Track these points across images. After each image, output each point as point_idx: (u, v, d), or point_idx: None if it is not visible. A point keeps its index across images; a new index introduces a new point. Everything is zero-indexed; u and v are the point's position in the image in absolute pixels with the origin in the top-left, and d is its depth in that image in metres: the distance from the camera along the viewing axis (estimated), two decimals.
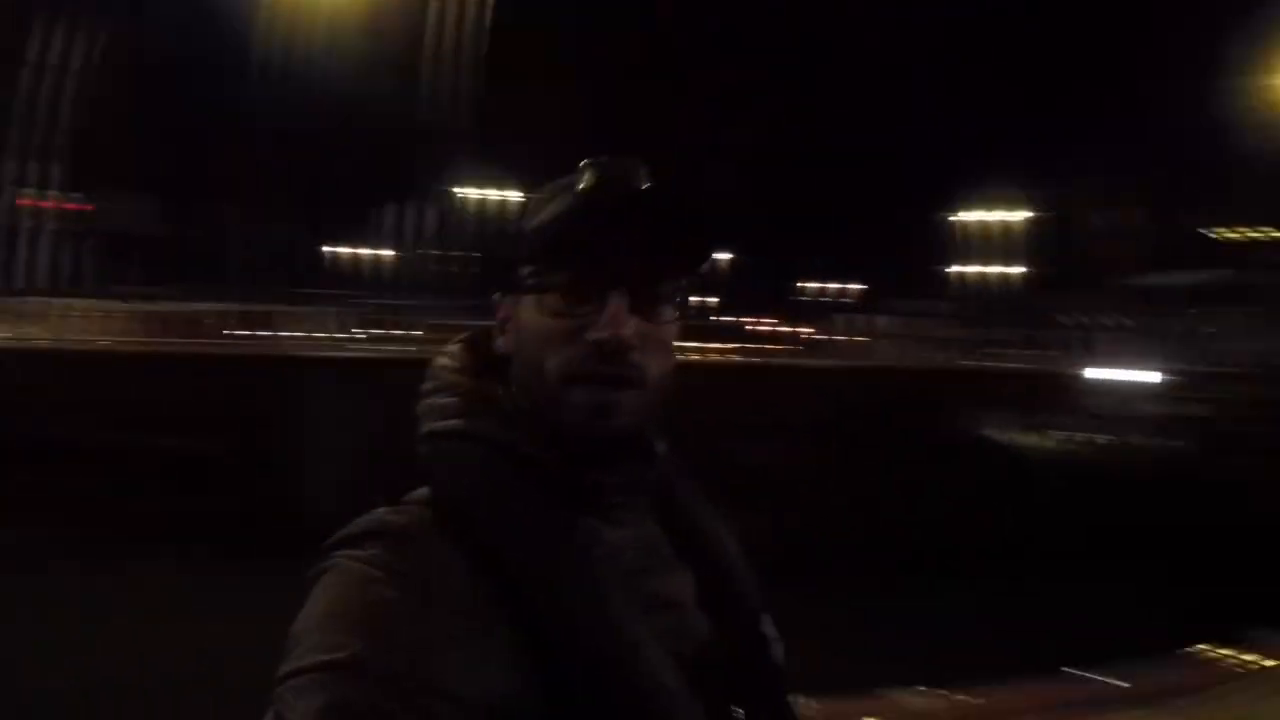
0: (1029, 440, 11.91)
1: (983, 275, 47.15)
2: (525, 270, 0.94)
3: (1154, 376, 14.09)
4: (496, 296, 1.01)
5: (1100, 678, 3.99)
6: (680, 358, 0.97)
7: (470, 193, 40.08)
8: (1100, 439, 11.89)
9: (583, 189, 0.93)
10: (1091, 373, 15.29)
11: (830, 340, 35.04)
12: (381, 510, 0.89)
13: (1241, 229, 35.57)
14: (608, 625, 0.85)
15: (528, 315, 0.94)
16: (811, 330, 36.76)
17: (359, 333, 26.87)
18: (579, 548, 0.89)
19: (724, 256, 37.24)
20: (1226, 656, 4.43)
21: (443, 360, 1.02)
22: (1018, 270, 46.31)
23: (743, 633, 1.02)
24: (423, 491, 0.91)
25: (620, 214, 0.91)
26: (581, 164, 0.96)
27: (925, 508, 13.61)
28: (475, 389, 0.97)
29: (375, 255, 40.62)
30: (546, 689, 0.81)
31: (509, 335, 0.98)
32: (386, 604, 0.79)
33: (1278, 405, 15.11)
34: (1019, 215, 45.58)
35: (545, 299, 0.91)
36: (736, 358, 26.81)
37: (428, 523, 0.87)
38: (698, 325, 28.75)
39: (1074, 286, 36.38)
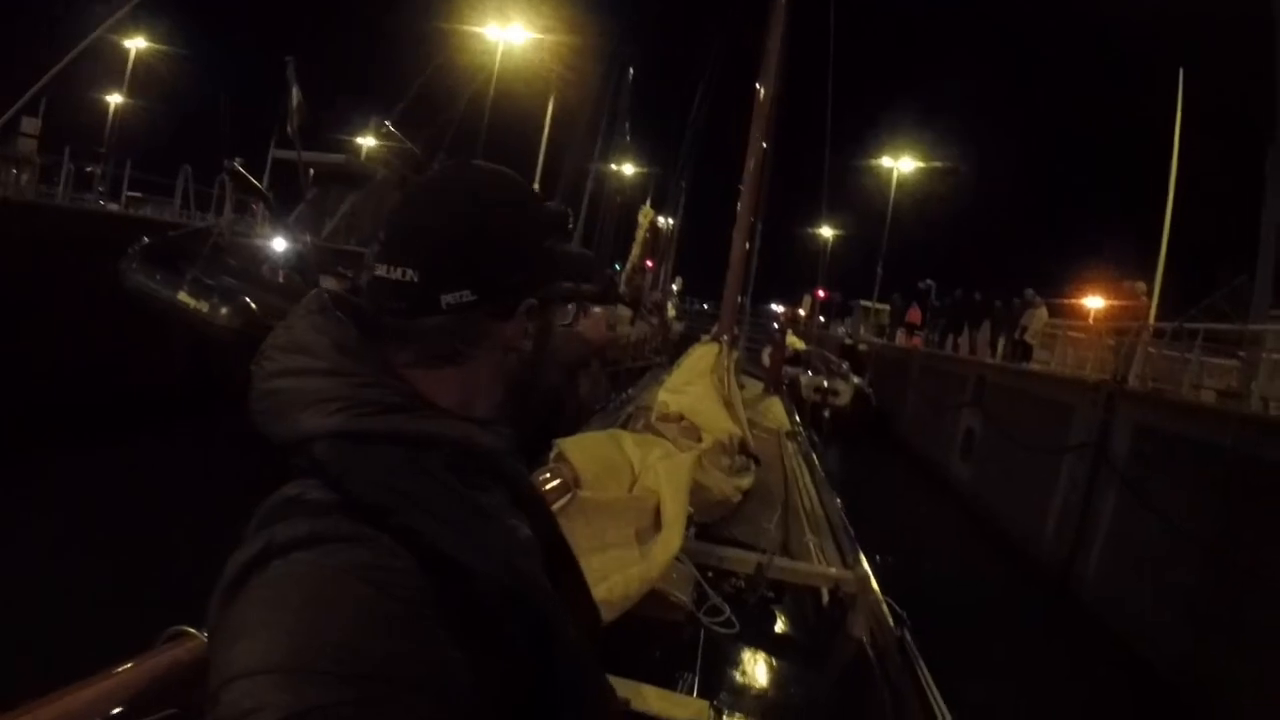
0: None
1: None
2: (560, 287, 1.12)
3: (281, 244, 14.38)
4: (533, 302, 1.08)
5: None
6: None
7: None
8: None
9: (568, 230, 1.18)
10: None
11: None
12: (296, 513, 0.89)
13: None
14: (546, 597, 1.02)
15: (553, 321, 1.13)
16: None
17: None
18: (506, 528, 1.05)
19: None
20: None
21: (314, 336, 1.02)
22: None
23: (561, 558, 1.23)
24: (308, 490, 0.92)
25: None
26: (564, 210, 1.21)
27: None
28: (392, 379, 1.01)
29: None
30: (494, 661, 0.91)
31: (525, 333, 1.09)
32: (361, 604, 0.82)
33: None
34: None
35: (568, 308, 1.04)
36: None
37: (357, 523, 0.88)
38: None
39: None
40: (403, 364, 1.04)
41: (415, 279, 1.01)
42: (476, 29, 27.87)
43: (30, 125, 20.09)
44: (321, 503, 0.90)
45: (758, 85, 10.17)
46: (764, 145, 10.21)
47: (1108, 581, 11.39)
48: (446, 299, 1.01)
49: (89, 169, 22.44)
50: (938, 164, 46.56)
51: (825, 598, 3.73)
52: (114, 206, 21.02)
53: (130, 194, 22.24)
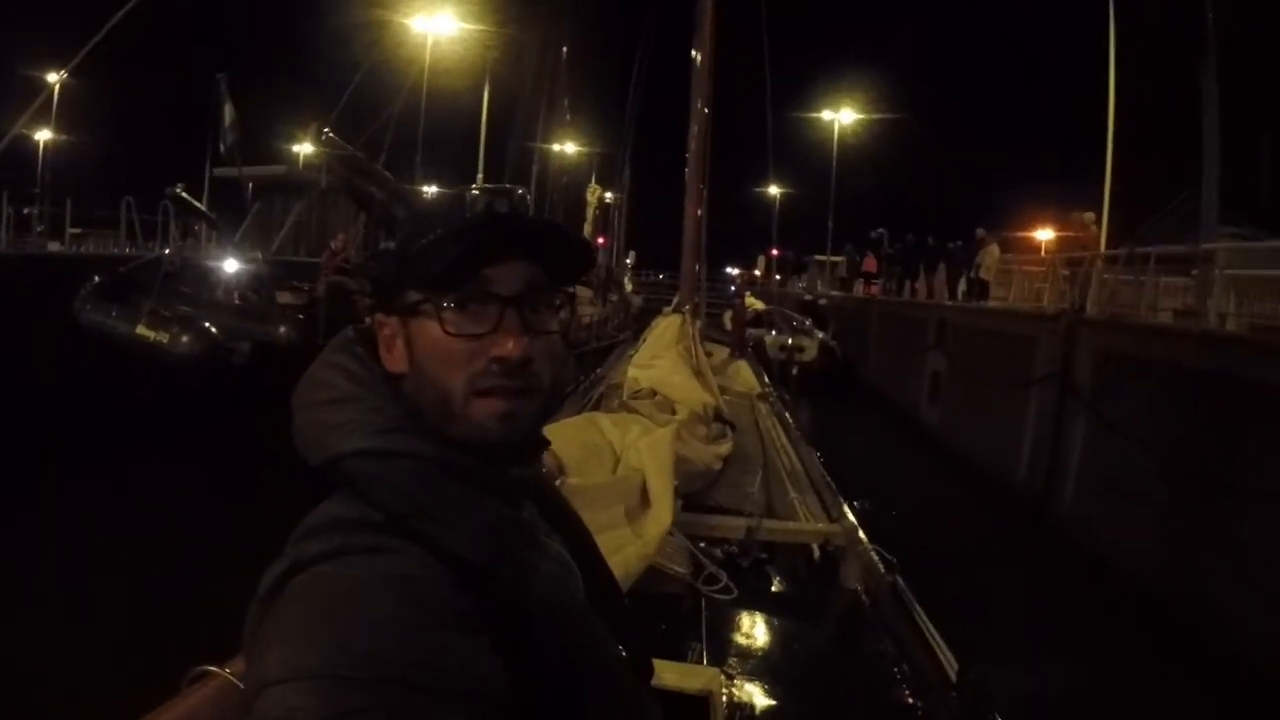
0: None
1: None
2: (413, 295, 1.00)
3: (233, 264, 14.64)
4: (379, 316, 1.05)
5: None
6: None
7: None
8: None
9: (476, 220, 1.03)
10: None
11: None
12: (326, 529, 0.92)
13: None
14: (574, 606, 1.02)
15: (425, 335, 1.00)
16: None
17: None
18: (531, 542, 1.02)
19: None
20: None
21: (330, 371, 1.04)
22: None
23: (602, 585, 1.20)
24: (341, 509, 0.94)
25: (512, 243, 1.00)
26: (464, 192, 1.10)
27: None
28: (394, 403, 1.01)
29: None
30: (526, 673, 0.90)
31: (397, 353, 1.03)
32: (390, 611, 0.83)
33: None
34: None
35: (445, 320, 0.98)
36: None
37: (385, 536, 0.90)
38: None
39: None
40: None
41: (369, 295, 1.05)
42: (404, 20, 27.54)
43: None
44: (349, 518, 0.92)
45: (694, 52, 10.18)
46: (704, 110, 10.24)
47: (1084, 507, 11.59)
48: (383, 321, 1.05)
49: (25, 210, 22.07)
50: (878, 116, 46.77)
51: (816, 553, 3.79)
52: (56, 246, 20.70)
53: (72, 230, 21.91)
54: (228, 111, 14.64)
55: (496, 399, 0.98)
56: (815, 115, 46.25)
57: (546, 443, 1.12)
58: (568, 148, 38.51)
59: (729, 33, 11.98)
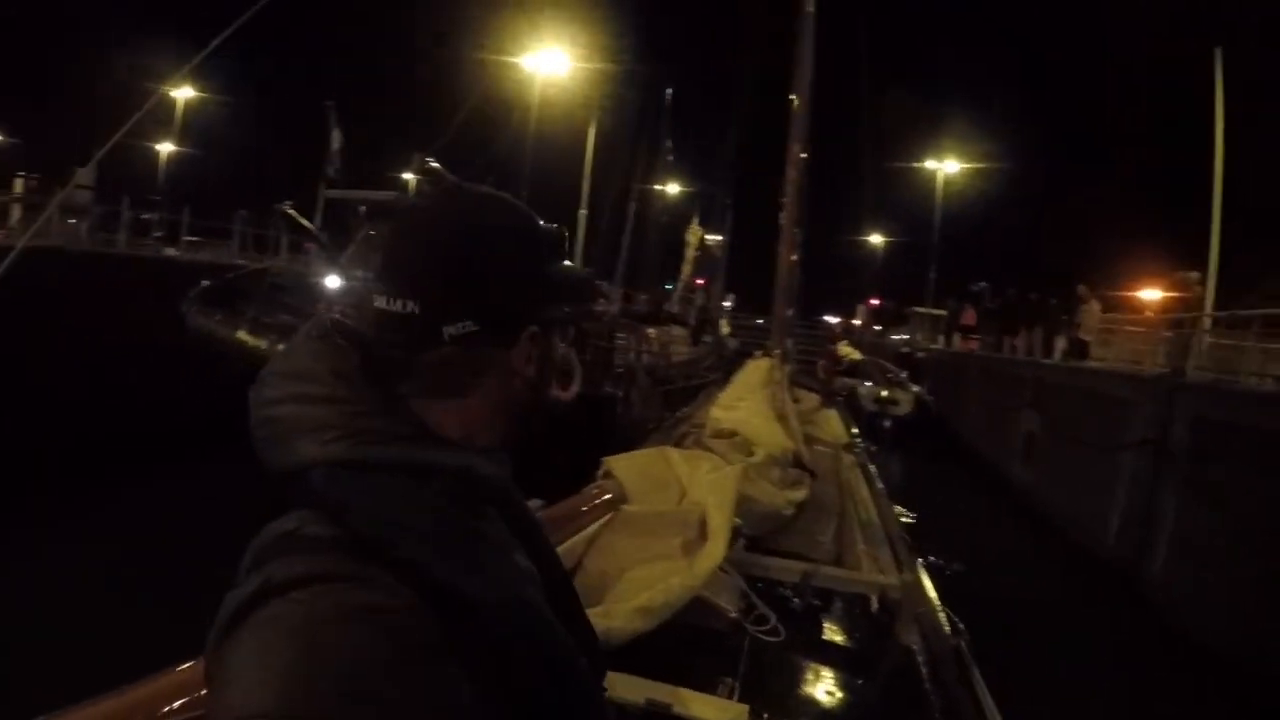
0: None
1: None
2: (554, 310, 1.12)
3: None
4: (535, 328, 1.08)
5: None
6: None
7: None
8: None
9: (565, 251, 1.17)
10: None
11: None
12: (293, 550, 0.88)
13: None
14: (544, 626, 1.00)
15: (554, 345, 1.13)
16: None
17: None
18: (501, 559, 1.02)
19: None
20: None
21: (312, 361, 1.02)
22: None
23: (560, 590, 1.18)
24: (312, 526, 0.90)
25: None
26: (556, 228, 1.18)
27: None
28: (393, 407, 1.01)
29: None
30: (495, 695, 0.90)
31: (531, 358, 1.09)
32: (361, 646, 0.80)
33: None
34: None
35: (565, 332, 1.07)
36: None
37: (356, 560, 0.87)
38: None
39: None
40: (406, 393, 1.03)
41: (416, 311, 1.00)
42: (514, 59, 28.21)
43: (84, 176, 20.70)
44: (320, 538, 0.88)
45: (792, 96, 10.21)
46: (802, 155, 10.24)
47: (1174, 578, 11.20)
48: (449, 330, 1.00)
49: (144, 216, 23.06)
50: (982, 165, 46.23)
51: (874, 605, 3.73)
52: (172, 251, 21.58)
53: (189, 239, 22.81)
54: (335, 137, 15.15)
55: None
56: (919, 165, 45.92)
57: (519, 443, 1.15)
58: (671, 188, 38.81)
59: (831, 80, 12.00)
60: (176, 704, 1.25)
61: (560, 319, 1.14)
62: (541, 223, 1.14)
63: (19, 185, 21.25)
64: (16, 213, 18.81)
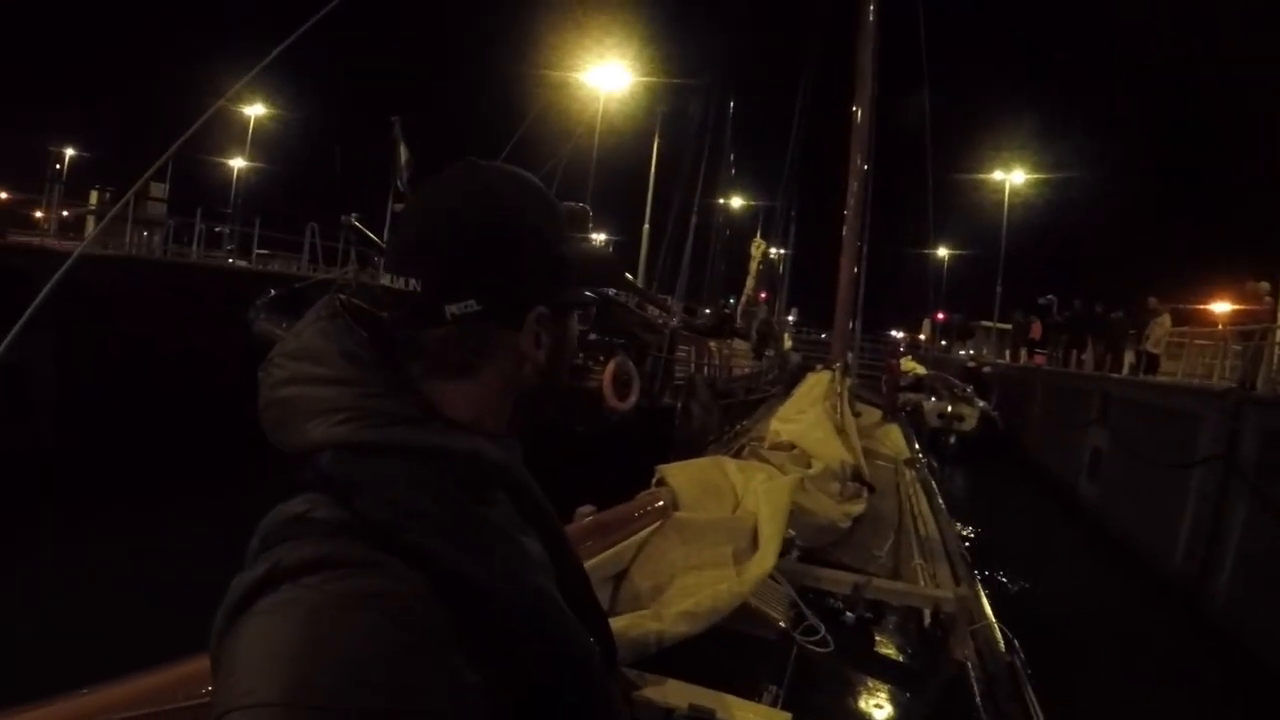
0: None
1: None
2: (574, 295, 1.09)
3: None
4: (543, 310, 1.04)
5: None
6: None
7: None
8: None
9: (600, 241, 1.11)
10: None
11: None
12: (302, 534, 0.86)
13: None
14: (556, 614, 0.98)
15: (572, 330, 1.11)
16: None
17: None
18: (512, 545, 0.99)
19: None
20: None
21: (322, 340, 1.00)
22: None
23: (574, 579, 1.15)
24: (320, 508, 0.88)
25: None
26: (580, 206, 1.15)
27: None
28: (403, 389, 0.99)
29: None
30: (505, 683, 0.88)
31: (540, 342, 1.05)
32: (369, 634, 0.78)
33: None
34: None
35: (586, 315, 1.08)
36: None
37: (365, 545, 0.85)
38: None
39: None
40: (416, 374, 1.01)
41: (418, 289, 0.98)
42: (576, 74, 28.46)
43: (158, 190, 21.33)
44: (329, 522, 0.87)
45: (854, 108, 10.19)
46: (864, 167, 10.22)
47: (1242, 597, 10.91)
48: (451, 309, 0.98)
49: (217, 229, 23.64)
50: (1049, 175, 45.58)
51: (927, 619, 3.70)
52: (244, 263, 22.07)
53: (260, 251, 23.32)
54: (402, 152, 15.33)
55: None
56: (985, 176, 45.41)
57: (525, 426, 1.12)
58: (733, 201, 38.76)
59: (892, 90, 11.95)
60: (190, 692, 1.26)
61: (573, 302, 1.09)
62: (567, 202, 1.14)
63: (94, 198, 21.92)
64: (90, 224, 19.45)
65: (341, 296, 1.07)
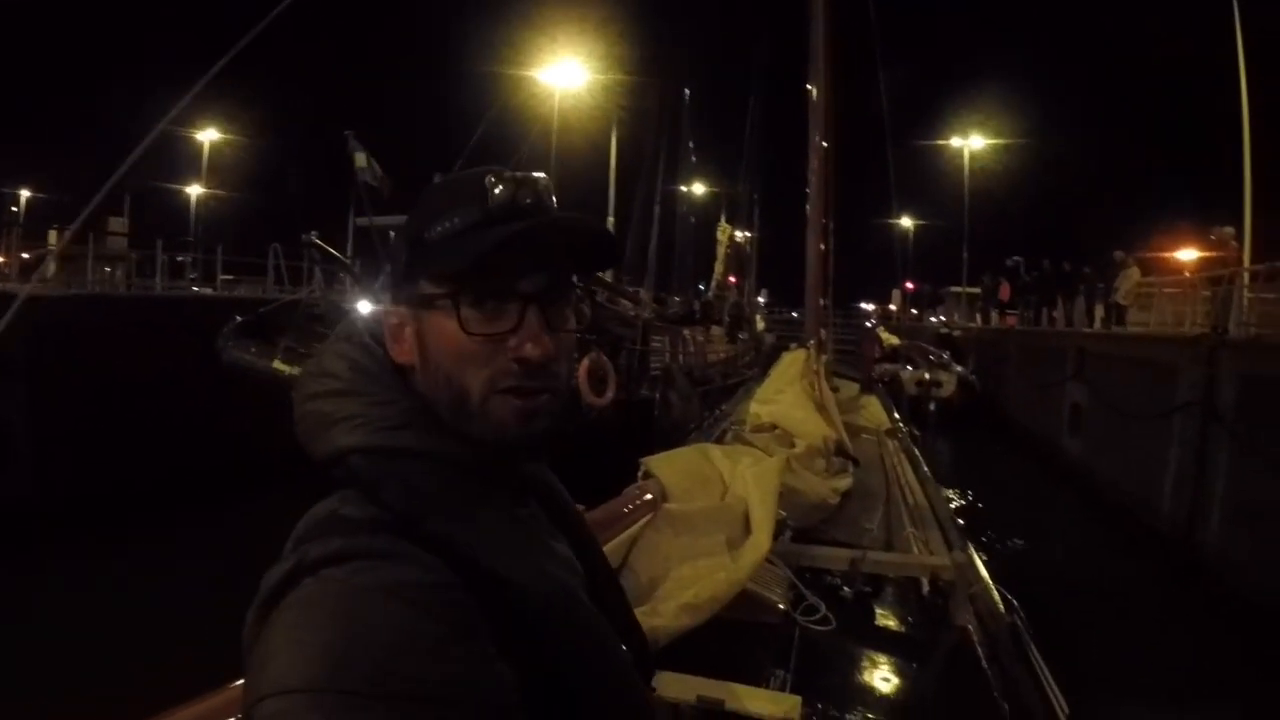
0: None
1: None
2: (430, 287, 0.98)
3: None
4: (387, 305, 1.04)
5: None
6: None
7: None
8: None
9: (492, 209, 0.98)
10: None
11: None
12: (331, 530, 0.88)
13: None
14: (580, 608, 0.99)
15: (439, 330, 0.98)
16: None
17: None
18: (537, 543, 1.03)
19: None
20: None
21: (335, 360, 1.03)
22: None
23: (605, 584, 1.20)
24: (346, 507, 0.92)
25: (536, 237, 0.96)
26: (482, 176, 1.01)
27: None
28: (403, 397, 1.00)
29: None
30: (531, 677, 0.89)
31: (405, 345, 1.02)
32: (396, 622, 0.80)
33: None
34: None
35: (464, 318, 0.95)
36: None
37: (391, 538, 0.87)
38: None
39: None
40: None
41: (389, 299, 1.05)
42: (530, 73, 28.37)
43: (118, 224, 21.13)
44: (356, 519, 0.90)
45: (809, 85, 10.18)
46: (823, 144, 10.21)
47: (1230, 541, 10.99)
48: (391, 310, 1.03)
49: (179, 258, 23.44)
50: (1006, 140, 45.90)
51: (925, 588, 3.70)
52: (209, 290, 21.90)
53: (224, 276, 23.14)
54: (362, 164, 15.20)
55: (516, 398, 0.97)
56: (943, 143, 45.69)
57: (557, 439, 1.06)
58: (695, 189, 38.77)
59: (846, 65, 11.95)
60: None
61: (419, 297, 1.01)
62: (491, 178, 1.01)
63: (53, 237, 21.71)
64: (53, 266, 19.23)
65: (357, 314, 1.12)
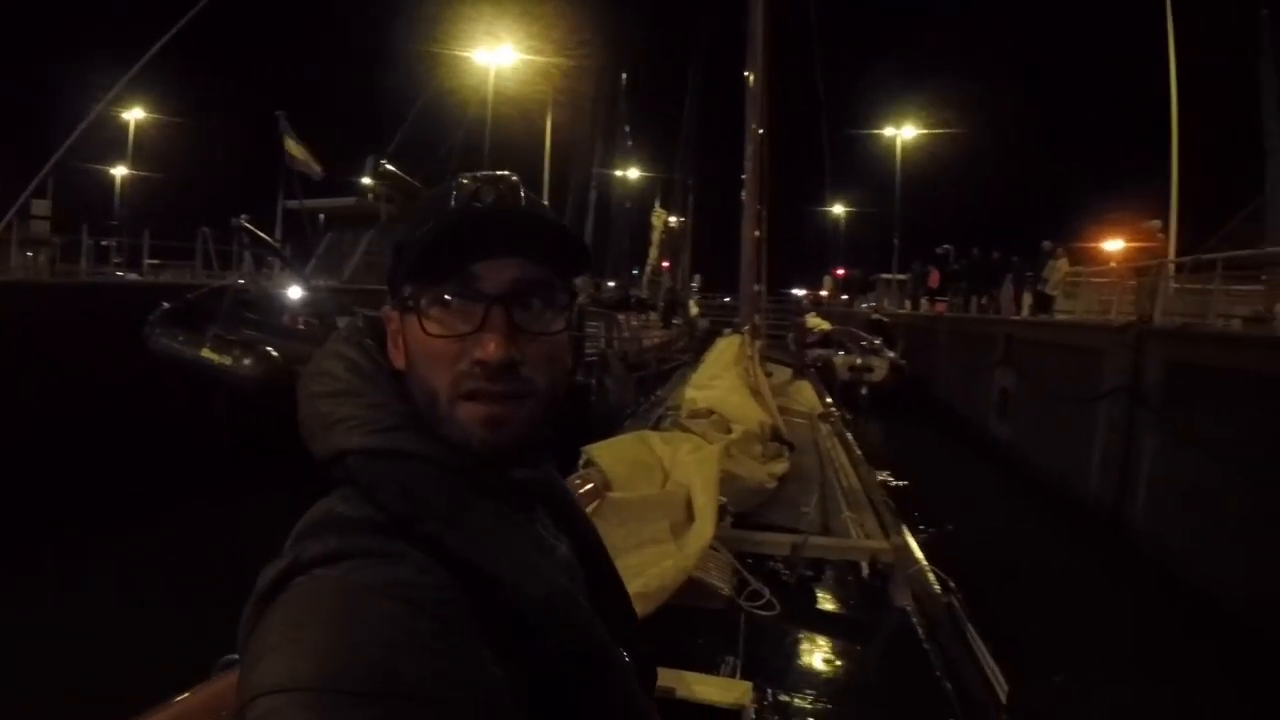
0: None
1: None
2: (407, 289, 0.98)
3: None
4: (386, 310, 1.05)
5: None
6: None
7: None
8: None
9: (453, 208, 0.99)
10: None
11: None
12: (328, 529, 0.89)
13: None
14: (578, 611, 0.98)
15: (413, 334, 0.98)
16: None
17: None
18: (536, 545, 1.02)
19: None
20: None
21: (333, 361, 1.03)
22: None
23: (609, 589, 1.19)
24: (343, 506, 0.92)
25: (496, 238, 0.96)
26: (455, 179, 1.02)
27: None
28: (397, 399, 1.00)
29: None
30: (527, 680, 0.88)
31: (399, 349, 1.02)
32: (391, 621, 0.79)
33: None
34: None
35: (428, 319, 0.95)
36: None
37: (387, 538, 0.87)
38: None
39: None
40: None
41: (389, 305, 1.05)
42: (466, 54, 28.10)
43: (41, 207, 20.51)
44: (352, 518, 0.90)
45: (746, 73, 10.22)
46: (759, 131, 10.26)
47: (1156, 521, 11.32)
48: (389, 315, 1.05)
49: (104, 243, 22.83)
50: (939, 130, 46.57)
51: (865, 571, 3.75)
52: (134, 276, 21.36)
53: (151, 261, 22.60)
54: (291, 147, 14.97)
55: (480, 403, 0.94)
56: (877, 132, 46.22)
57: (550, 445, 1.09)
58: (630, 173, 38.77)
59: (784, 53, 12.02)
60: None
61: (400, 302, 1.01)
62: (463, 180, 1.03)
63: None
64: None
65: (360, 316, 1.11)
